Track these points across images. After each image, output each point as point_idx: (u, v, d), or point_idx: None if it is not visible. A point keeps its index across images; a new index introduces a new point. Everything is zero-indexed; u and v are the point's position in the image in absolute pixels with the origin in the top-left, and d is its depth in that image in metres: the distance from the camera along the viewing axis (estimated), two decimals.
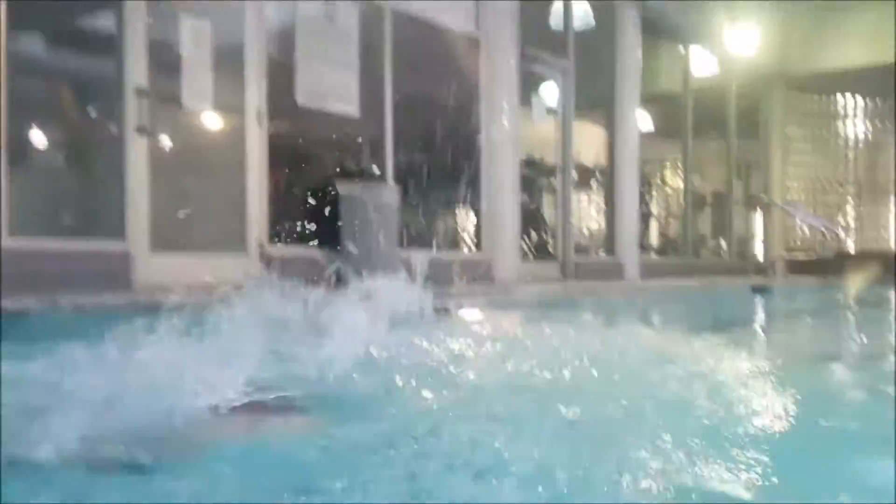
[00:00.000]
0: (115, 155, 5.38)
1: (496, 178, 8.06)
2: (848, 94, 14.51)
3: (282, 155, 6.37)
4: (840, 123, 14.74)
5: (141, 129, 5.40)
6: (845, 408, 2.26)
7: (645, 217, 12.58)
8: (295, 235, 6.47)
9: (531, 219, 10.46)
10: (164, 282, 5.37)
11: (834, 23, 12.69)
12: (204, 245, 5.93)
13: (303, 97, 6.35)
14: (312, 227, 6.59)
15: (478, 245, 8.02)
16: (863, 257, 13.57)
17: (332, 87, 6.58)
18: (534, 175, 10.04)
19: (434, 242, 7.81)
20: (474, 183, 8.04)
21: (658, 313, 5.26)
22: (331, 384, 2.21)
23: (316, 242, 6.51)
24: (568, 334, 3.45)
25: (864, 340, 3.78)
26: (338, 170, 6.85)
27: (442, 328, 3.85)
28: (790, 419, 2.00)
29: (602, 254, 10.40)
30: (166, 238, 5.63)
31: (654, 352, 2.86)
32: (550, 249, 9.39)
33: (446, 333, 3.67)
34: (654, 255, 12.28)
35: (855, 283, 10.75)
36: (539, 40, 8.89)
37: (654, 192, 13.17)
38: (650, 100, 13.05)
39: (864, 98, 14.63)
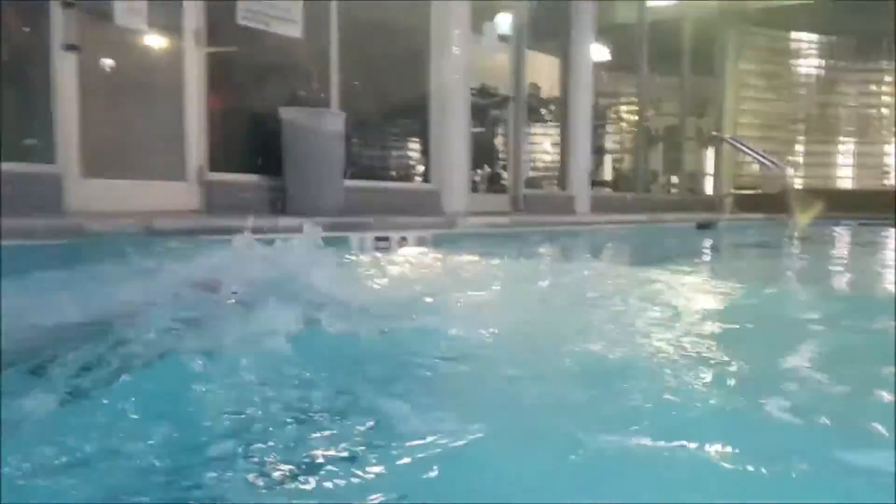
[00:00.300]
0: (41, 73, 5.12)
1: (446, 108, 7.91)
2: (803, 32, 14.50)
3: (222, 78, 6.14)
4: (794, 60, 14.77)
5: (69, 47, 5.13)
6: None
7: (599, 151, 12.56)
8: (236, 162, 6.30)
9: (483, 150, 10.37)
10: (97, 208, 5.22)
11: None
12: (141, 171, 5.74)
13: (244, 17, 6.10)
14: (254, 153, 6.43)
15: (426, 176, 7.91)
16: (808, 194, 13.80)
17: (274, 7, 6.32)
18: (486, 105, 9.92)
19: (381, 173, 7.70)
20: (423, 112, 7.89)
21: (596, 247, 5.27)
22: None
23: (258, 169, 6.37)
24: (494, 263, 3.44)
25: (793, 269, 3.85)
26: (281, 95, 6.67)
27: (376, 259, 3.80)
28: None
29: (554, 187, 10.38)
30: (100, 163, 5.42)
31: (578, 282, 2.87)
32: (504, 182, 9.34)
33: (377, 264, 3.63)
34: (605, 190, 12.29)
35: (799, 218, 10.96)
36: None
37: (608, 127, 13.12)
38: (607, 31, 12.91)
39: (818, 35, 14.64)
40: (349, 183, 6.65)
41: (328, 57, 6.86)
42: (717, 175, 13.39)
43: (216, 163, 6.05)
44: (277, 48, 6.54)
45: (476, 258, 3.87)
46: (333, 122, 6.35)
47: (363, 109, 7.72)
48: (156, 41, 5.89)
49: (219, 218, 4.94)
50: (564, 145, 10.16)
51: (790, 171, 14.47)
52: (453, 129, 8.02)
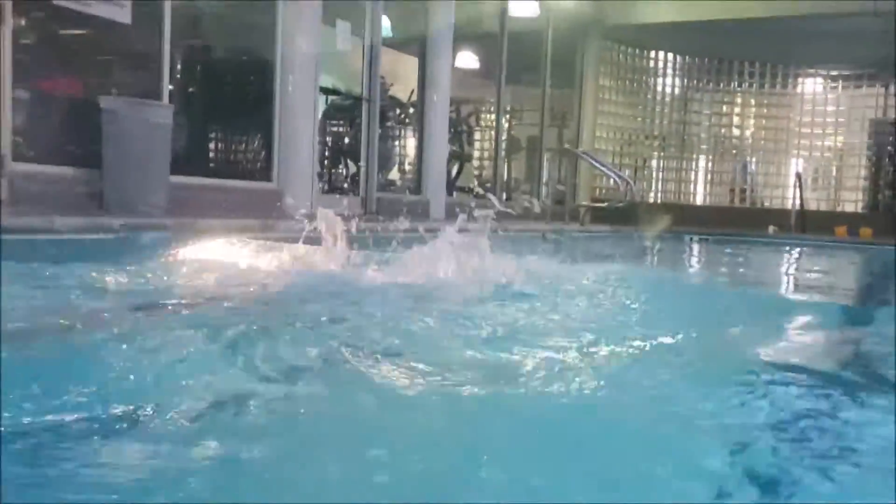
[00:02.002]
0: None
1: (292, 104, 7.65)
2: (661, 51, 15.09)
3: (32, 60, 5.66)
4: (652, 78, 15.35)
5: None
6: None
7: (461, 157, 12.61)
8: (48, 153, 5.83)
9: (335, 150, 10.16)
10: None
11: None
12: None
13: None
14: (70, 144, 5.98)
15: (267, 175, 7.62)
16: (659, 208, 14.36)
17: None
18: (341, 105, 9.73)
19: (218, 169, 7.36)
20: (267, 108, 7.60)
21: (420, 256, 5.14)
22: None
23: (73, 161, 5.92)
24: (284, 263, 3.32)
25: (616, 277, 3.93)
26: (105, 82, 6.24)
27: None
28: None
29: (408, 191, 10.29)
30: None
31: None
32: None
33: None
34: (466, 196, 12.32)
35: (649, 230, 11.35)
36: None
37: (468, 133, 13.19)
38: (474, 39, 12.99)
39: (675, 55, 15.28)
40: (178, 179, 6.29)
41: (160, 46, 6.47)
42: (573, 186, 13.68)
43: (22, 152, 5.57)
44: (101, 32, 6.11)
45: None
46: (159, 114, 5.99)
47: (200, 103, 7.37)
48: None
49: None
50: (421, 149, 10.09)
51: (638, 185, 15.03)
52: (300, 128, 7.76)
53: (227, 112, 7.73)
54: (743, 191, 16.06)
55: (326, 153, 9.89)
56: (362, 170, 9.05)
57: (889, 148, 14.79)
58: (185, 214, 5.70)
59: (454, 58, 12.68)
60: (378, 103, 8.99)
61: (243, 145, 8.01)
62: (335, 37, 8.46)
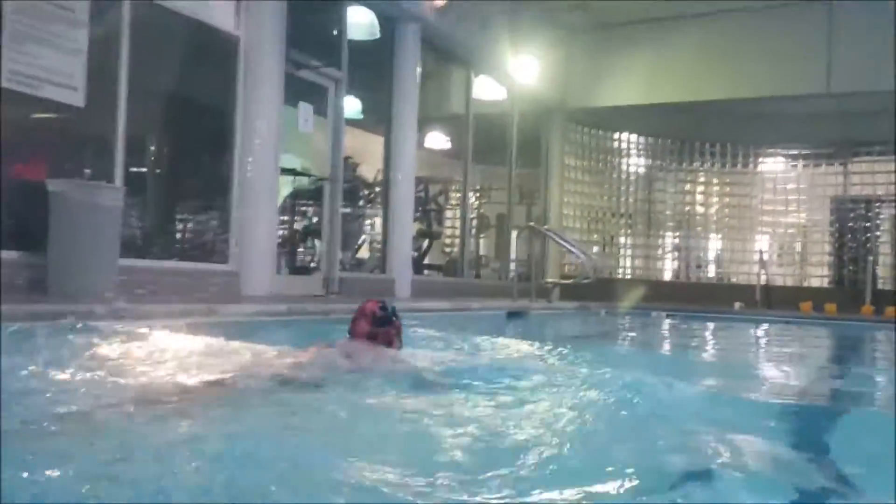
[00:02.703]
0: None
1: (251, 185, 7.61)
2: (625, 132, 15.40)
3: None
4: (617, 158, 15.61)
5: None
6: None
7: (427, 234, 12.60)
8: None
9: (303, 230, 10.11)
10: None
11: (610, 63, 13.41)
12: None
13: (8, 79, 5.61)
14: (16, 227, 5.86)
15: (224, 256, 7.51)
16: (626, 284, 14.40)
17: (49, 70, 5.88)
18: (307, 186, 9.72)
19: (170, 252, 7.24)
20: (224, 188, 7.56)
21: None
22: None
23: (19, 246, 5.79)
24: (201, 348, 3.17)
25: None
26: (56, 166, 6.17)
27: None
28: None
29: (374, 271, 10.23)
30: None
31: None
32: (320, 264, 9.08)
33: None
34: (426, 274, 12.26)
35: (614, 306, 11.34)
36: (312, 47, 8.60)
37: (437, 211, 13.24)
38: (443, 121, 13.19)
39: (638, 136, 15.59)
40: (128, 262, 6.17)
41: (114, 128, 6.44)
42: (542, 263, 13.70)
43: None
44: (54, 115, 6.07)
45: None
46: (109, 196, 5.90)
47: (155, 185, 7.32)
48: None
49: None
50: (386, 227, 10.07)
51: (605, 261, 15.11)
52: (260, 209, 7.71)
53: (183, 193, 7.68)
54: (699, 266, 16.22)
55: (293, 233, 9.84)
56: (324, 249, 8.98)
57: (850, 224, 15.04)
58: (133, 298, 5.56)
59: (424, 138, 12.87)
60: (340, 182, 8.99)
61: (199, 226, 7.92)
62: (297, 118, 8.50)
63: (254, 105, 7.65)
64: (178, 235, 7.74)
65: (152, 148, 7.30)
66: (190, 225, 7.92)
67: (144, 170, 7.22)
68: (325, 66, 8.54)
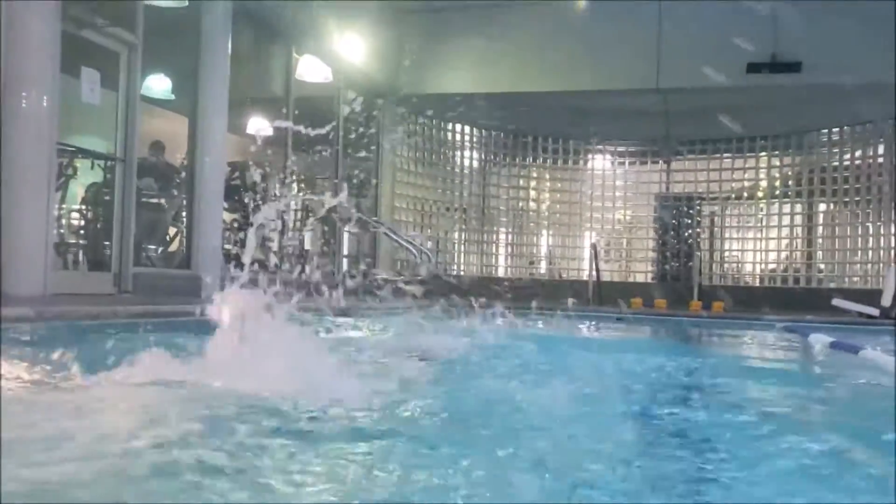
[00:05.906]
0: None
1: (13, 164, 6.32)
2: (459, 123, 14.95)
3: None
4: (451, 151, 15.15)
5: None
6: None
7: (247, 226, 11.50)
8: None
9: (87, 219, 8.75)
10: None
11: (442, 47, 12.87)
12: None
13: None
14: None
15: None
16: (461, 281, 13.95)
17: None
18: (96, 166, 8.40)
19: None
20: None
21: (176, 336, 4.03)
22: None
23: None
24: None
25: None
26: None
27: None
28: None
29: (175, 266, 9.05)
30: None
31: None
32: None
33: None
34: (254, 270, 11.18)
35: (449, 304, 10.77)
36: (101, 5, 7.37)
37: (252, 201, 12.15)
38: (265, 103, 12.12)
39: (472, 128, 15.20)
40: None
41: None
42: (372, 258, 12.98)
43: None
44: None
45: None
46: None
47: None
48: None
49: None
50: (191, 217, 8.91)
51: (440, 257, 14.64)
52: (26, 191, 6.43)
53: None
54: (531, 262, 16.12)
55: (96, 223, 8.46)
56: (115, 242, 7.75)
57: (673, 221, 15.42)
58: None
59: (241, 121, 11.75)
60: (134, 165, 7.80)
61: None
62: (80, 87, 7.24)
63: (19, 69, 6.35)
64: None
65: None
66: None
67: None
68: (113, 25, 7.32)
